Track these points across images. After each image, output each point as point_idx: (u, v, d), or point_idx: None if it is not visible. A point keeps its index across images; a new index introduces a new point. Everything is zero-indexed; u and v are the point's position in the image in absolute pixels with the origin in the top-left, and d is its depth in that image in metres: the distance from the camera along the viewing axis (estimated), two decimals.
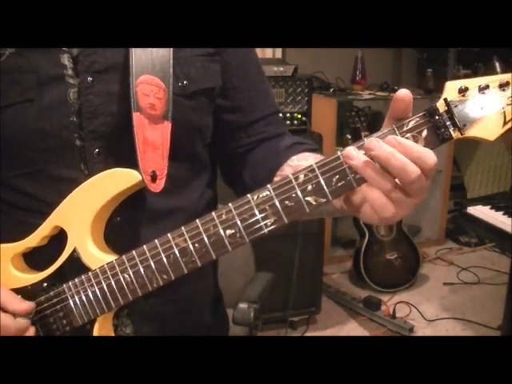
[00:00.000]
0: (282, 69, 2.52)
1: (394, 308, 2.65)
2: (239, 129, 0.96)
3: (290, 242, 2.34)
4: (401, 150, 0.64)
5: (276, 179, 0.88)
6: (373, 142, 0.65)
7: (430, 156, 0.64)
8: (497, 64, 2.52)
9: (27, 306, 0.81)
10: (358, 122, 2.82)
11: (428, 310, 2.76)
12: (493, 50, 3.21)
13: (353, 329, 2.62)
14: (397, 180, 0.66)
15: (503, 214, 1.87)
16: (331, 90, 3.07)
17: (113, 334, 0.83)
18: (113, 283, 0.79)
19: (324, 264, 2.62)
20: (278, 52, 3.12)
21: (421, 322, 2.66)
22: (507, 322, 2.10)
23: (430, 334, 2.57)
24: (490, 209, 1.93)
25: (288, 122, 2.51)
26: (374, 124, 3.17)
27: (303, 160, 0.88)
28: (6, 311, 0.80)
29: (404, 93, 0.66)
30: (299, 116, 2.55)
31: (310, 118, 2.57)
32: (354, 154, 0.66)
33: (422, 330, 2.60)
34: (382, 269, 2.91)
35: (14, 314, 0.80)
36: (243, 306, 1.26)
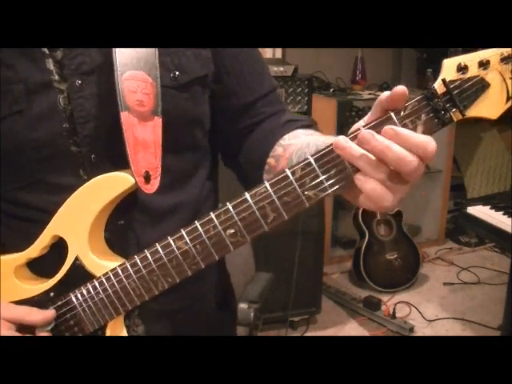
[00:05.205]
0: (282, 69, 2.52)
1: (394, 308, 2.65)
2: (236, 113, 0.93)
3: (289, 242, 2.34)
4: (399, 141, 0.63)
5: (269, 160, 0.87)
6: (367, 134, 0.64)
7: (429, 144, 0.63)
8: None
9: (47, 313, 0.80)
10: None
11: (428, 310, 2.76)
12: None
13: (353, 329, 2.62)
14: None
15: (503, 214, 1.87)
16: (331, 90, 3.07)
17: (126, 335, 0.82)
18: (119, 290, 0.78)
19: (324, 264, 2.62)
20: (278, 52, 3.12)
21: (421, 322, 2.66)
22: (507, 321, 2.10)
23: (430, 334, 2.57)
24: (490, 209, 1.92)
25: None
26: None
27: (294, 139, 0.86)
28: (24, 326, 0.79)
29: (402, 89, 0.64)
30: None
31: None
32: (343, 144, 0.65)
33: (422, 330, 2.60)
34: (382, 269, 2.91)
35: (34, 327, 0.79)
36: (243, 305, 1.25)
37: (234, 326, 1.10)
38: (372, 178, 0.64)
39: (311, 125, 0.92)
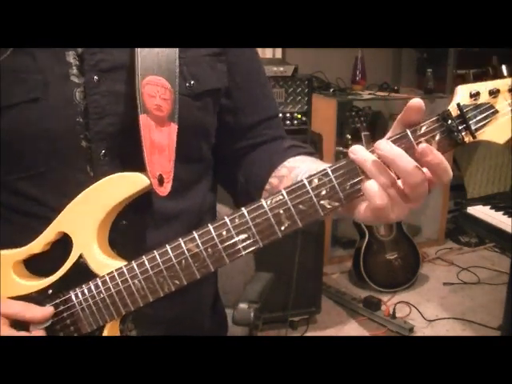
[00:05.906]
0: (281, 69, 2.51)
1: (394, 308, 2.65)
2: (239, 131, 0.95)
3: (290, 242, 2.34)
4: (432, 156, 0.65)
5: (272, 180, 0.88)
6: (382, 142, 0.66)
7: (449, 171, 0.66)
8: (503, 67, 2.55)
9: (46, 310, 0.79)
10: (358, 122, 2.82)
11: (428, 310, 2.76)
12: (492, 51, 3.21)
13: (353, 329, 2.62)
14: (399, 182, 0.66)
15: (503, 214, 1.87)
16: (331, 90, 3.07)
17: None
18: (122, 290, 0.77)
19: (324, 264, 2.62)
20: (278, 52, 3.12)
21: (421, 322, 2.66)
22: (507, 321, 2.10)
23: (430, 334, 2.57)
24: (490, 209, 1.93)
25: (288, 122, 2.51)
26: (374, 124, 3.17)
27: (299, 162, 0.88)
28: (18, 322, 0.78)
29: (417, 102, 0.66)
30: (299, 116, 2.55)
31: (309, 118, 2.57)
32: (356, 148, 0.68)
33: (422, 330, 2.60)
34: (382, 269, 2.91)
35: (31, 323, 0.79)
36: (243, 305, 1.25)
37: (224, 331, 1.10)
38: (376, 182, 0.66)
39: (314, 153, 0.94)
